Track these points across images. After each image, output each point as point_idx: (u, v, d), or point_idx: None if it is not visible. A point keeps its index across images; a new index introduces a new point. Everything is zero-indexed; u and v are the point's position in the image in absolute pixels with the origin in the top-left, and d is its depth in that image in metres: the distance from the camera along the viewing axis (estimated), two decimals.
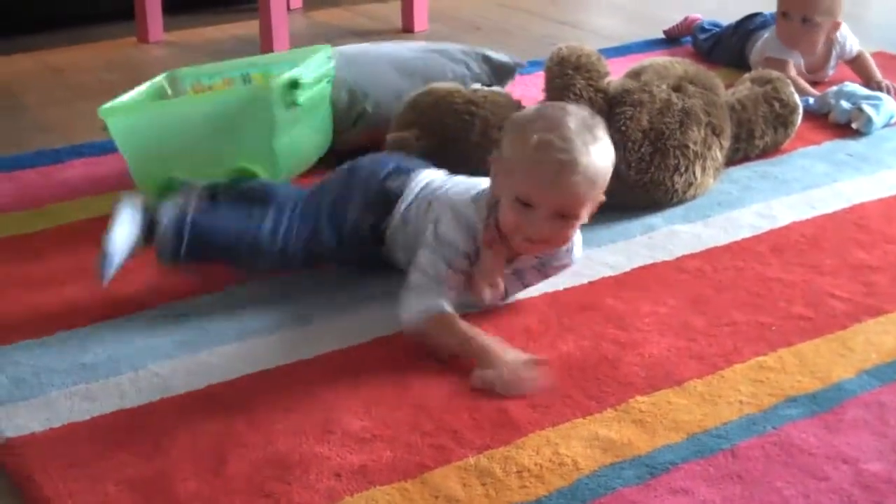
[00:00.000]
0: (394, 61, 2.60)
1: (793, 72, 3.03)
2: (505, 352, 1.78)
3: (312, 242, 2.01)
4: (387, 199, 2.01)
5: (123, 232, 1.94)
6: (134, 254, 1.97)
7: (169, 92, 2.50)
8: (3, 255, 2.19)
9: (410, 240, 1.97)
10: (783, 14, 3.08)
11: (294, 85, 2.27)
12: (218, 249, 2.00)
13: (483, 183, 1.93)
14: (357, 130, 2.51)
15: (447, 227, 1.86)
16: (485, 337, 1.81)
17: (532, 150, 1.77)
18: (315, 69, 2.38)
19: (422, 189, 2.01)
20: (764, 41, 3.15)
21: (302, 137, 2.39)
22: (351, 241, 2.02)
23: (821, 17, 3.03)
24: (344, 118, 2.55)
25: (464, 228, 1.86)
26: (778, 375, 1.77)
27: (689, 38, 3.54)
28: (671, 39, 3.59)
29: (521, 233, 1.82)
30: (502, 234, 1.85)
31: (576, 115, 1.80)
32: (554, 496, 1.50)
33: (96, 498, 1.51)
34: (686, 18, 3.57)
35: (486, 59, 2.78)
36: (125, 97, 2.41)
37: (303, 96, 2.33)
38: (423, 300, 1.83)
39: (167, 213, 1.98)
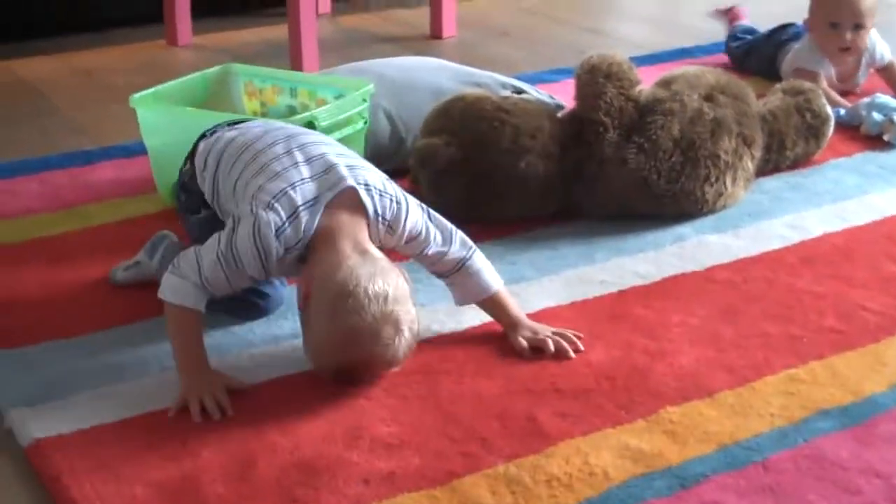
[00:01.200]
0: (435, 92, 2.57)
1: (824, 83, 3.01)
2: (210, 373, 1.75)
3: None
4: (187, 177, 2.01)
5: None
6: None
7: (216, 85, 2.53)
8: (32, 257, 2.20)
9: (223, 201, 1.91)
10: (832, 25, 3.01)
11: (310, 125, 2.24)
12: None
13: (299, 189, 1.76)
14: (398, 160, 2.48)
15: (242, 242, 1.73)
16: (198, 358, 1.75)
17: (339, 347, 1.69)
18: (341, 110, 2.33)
19: (217, 144, 1.95)
20: (795, 52, 3.12)
21: None
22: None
23: (870, 22, 3.02)
24: (387, 147, 2.53)
25: (259, 256, 1.73)
26: (809, 388, 1.76)
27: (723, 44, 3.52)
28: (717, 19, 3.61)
29: None
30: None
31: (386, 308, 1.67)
32: None
33: (123, 500, 1.50)
34: (732, 10, 3.56)
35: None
36: (169, 84, 2.44)
37: None
38: (178, 287, 1.74)
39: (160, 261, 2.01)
